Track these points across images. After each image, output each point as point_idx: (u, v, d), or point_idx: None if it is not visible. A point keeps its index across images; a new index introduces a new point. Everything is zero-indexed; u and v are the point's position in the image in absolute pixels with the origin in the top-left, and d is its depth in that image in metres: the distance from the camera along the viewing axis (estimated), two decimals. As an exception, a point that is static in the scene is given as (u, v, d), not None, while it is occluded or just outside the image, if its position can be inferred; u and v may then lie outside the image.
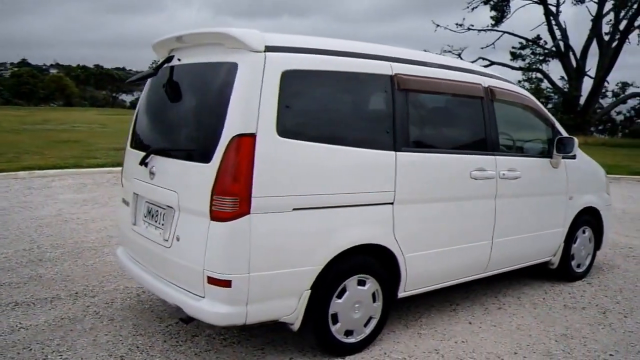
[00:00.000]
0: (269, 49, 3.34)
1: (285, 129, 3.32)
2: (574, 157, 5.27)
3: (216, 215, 3.23)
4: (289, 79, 3.37)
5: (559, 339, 4.16)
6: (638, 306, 4.93)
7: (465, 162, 4.33)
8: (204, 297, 3.32)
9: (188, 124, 3.69)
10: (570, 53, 39.07)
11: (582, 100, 38.62)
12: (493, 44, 41.66)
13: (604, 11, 37.43)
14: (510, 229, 4.73)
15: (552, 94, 42.85)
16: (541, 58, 41.48)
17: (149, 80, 4.18)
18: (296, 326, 3.53)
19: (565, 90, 39.36)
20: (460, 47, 40.27)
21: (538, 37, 40.87)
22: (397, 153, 3.82)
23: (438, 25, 40.67)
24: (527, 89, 44.92)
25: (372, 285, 3.79)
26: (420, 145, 4.05)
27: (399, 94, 3.89)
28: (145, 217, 3.89)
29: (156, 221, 3.75)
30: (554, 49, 38.84)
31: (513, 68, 42.16)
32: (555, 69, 39.46)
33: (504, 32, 41.63)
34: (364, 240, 3.71)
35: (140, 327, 4.09)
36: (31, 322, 4.11)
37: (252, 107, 3.23)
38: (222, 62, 3.42)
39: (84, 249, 6.05)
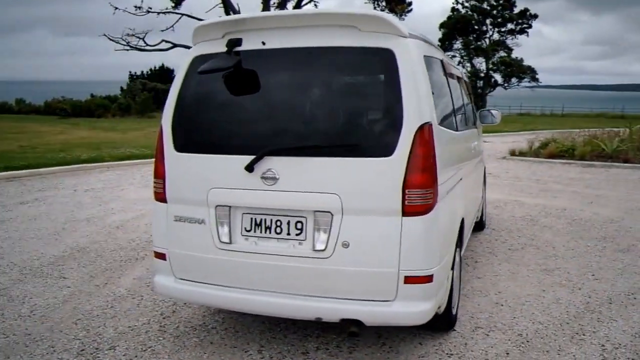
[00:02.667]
0: (409, 35, 3.25)
1: (437, 115, 3.34)
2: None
3: (411, 210, 3.06)
4: (426, 65, 3.37)
5: (548, 272, 5.13)
6: (547, 239, 6.31)
7: (467, 136, 4.90)
8: (394, 300, 3.12)
9: (337, 116, 3.27)
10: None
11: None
12: (172, 26, 42.23)
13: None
14: (471, 193, 5.48)
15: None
16: (228, 40, 43.76)
17: (187, 67, 3.47)
18: (442, 309, 3.58)
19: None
20: (143, 31, 39.88)
21: (222, 19, 42.88)
22: (457, 132, 4.15)
23: (117, 8, 39.25)
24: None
25: (457, 255, 4.05)
26: (459, 125, 4.41)
27: (447, 77, 4.19)
28: (248, 231, 3.30)
29: (279, 232, 3.24)
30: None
31: (199, 50, 43.42)
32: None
33: (183, 14, 42.45)
34: (463, 213, 3.97)
35: (235, 362, 3.47)
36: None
37: (423, 95, 3.14)
38: (368, 47, 3.15)
39: (-16, 299, 4.45)
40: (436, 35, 46.93)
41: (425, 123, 3.09)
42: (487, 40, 47.63)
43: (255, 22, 3.32)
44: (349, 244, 3.11)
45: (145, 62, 42.64)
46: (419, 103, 3.08)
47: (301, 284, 3.22)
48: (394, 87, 3.08)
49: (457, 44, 47.96)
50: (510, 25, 46.55)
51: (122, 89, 39.24)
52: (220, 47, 3.30)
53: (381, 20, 3.13)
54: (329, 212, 3.13)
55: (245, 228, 3.30)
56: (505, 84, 46.77)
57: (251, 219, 3.29)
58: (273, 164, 3.18)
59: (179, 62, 3.64)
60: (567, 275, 5.04)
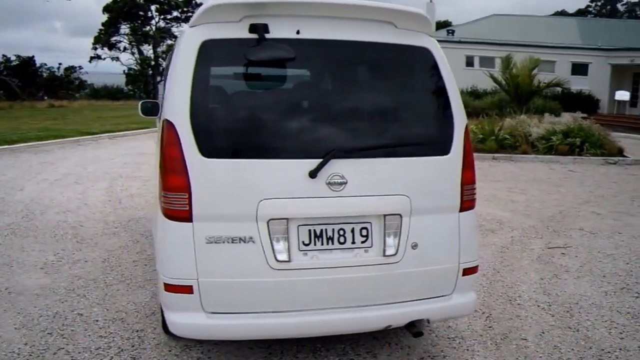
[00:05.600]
0: None
1: None
2: None
3: (466, 206, 3.31)
4: None
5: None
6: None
7: None
8: (452, 293, 3.31)
9: (397, 115, 3.28)
10: None
11: None
12: None
13: None
14: None
15: None
16: None
17: (196, 52, 2.91)
18: None
19: None
20: None
21: None
22: None
23: None
24: None
25: None
26: None
27: None
28: (306, 245, 3.01)
29: (343, 242, 3.07)
30: None
31: None
32: None
33: None
34: None
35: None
36: None
37: (459, 94, 3.35)
38: (407, 45, 3.19)
39: None
40: (100, 18, 44.94)
41: (466, 121, 3.33)
42: (153, 27, 47.68)
43: (286, 8, 3.01)
44: (418, 245, 3.16)
45: None
46: (460, 102, 3.30)
47: (369, 293, 3.14)
48: (441, 86, 3.24)
49: (125, 29, 46.77)
50: (175, 13, 47.52)
51: None
52: (238, 32, 2.93)
53: (420, 18, 3.19)
54: (399, 214, 3.12)
55: (303, 242, 3.01)
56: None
57: (309, 230, 3.02)
58: (340, 167, 2.99)
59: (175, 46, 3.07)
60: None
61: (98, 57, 48.28)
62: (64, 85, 43.69)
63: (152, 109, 5.13)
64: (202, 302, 2.95)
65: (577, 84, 28.33)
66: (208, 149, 2.88)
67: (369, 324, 3.20)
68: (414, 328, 3.27)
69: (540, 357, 3.65)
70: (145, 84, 48.13)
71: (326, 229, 3.03)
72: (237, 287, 2.97)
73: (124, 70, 48.82)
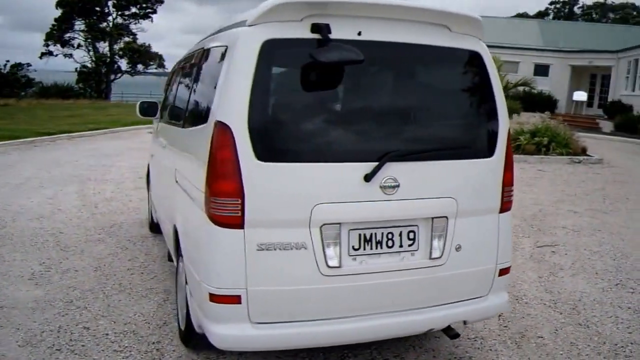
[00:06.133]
0: None
1: None
2: None
3: (505, 207, 3.36)
4: None
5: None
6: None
7: None
8: (487, 294, 3.35)
9: (447, 117, 3.28)
10: None
11: None
12: None
13: None
14: None
15: None
16: None
17: (257, 52, 2.82)
18: None
19: None
20: None
21: None
22: None
23: None
24: None
25: None
26: None
27: None
28: (356, 249, 2.99)
29: (391, 246, 3.05)
30: None
31: None
32: None
33: None
34: None
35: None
36: None
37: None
38: (460, 49, 3.22)
39: None
40: (53, 13, 43.48)
41: (509, 124, 3.39)
42: (110, 23, 46.42)
43: (348, 8, 2.95)
44: (461, 247, 3.18)
45: None
46: (504, 104, 3.35)
47: (415, 297, 3.14)
48: (489, 90, 3.27)
49: (80, 25, 45.35)
50: (134, 9, 46.36)
51: None
52: (299, 32, 2.86)
53: (474, 22, 3.22)
54: (445, 217, 3.13)
55: (353, 247, 2.98)
56: (132, 71, 46.54)
57: (359, 235, 2.99)
58: (393, 170, 2.97)
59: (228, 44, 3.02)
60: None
61: (50, 53, 46.38)
62: (10, 83, 41.95)
63: (149, 110, 4.99)
64: (249, 312, 2.87)
65: (539, 85, 29.08)
66: (264, 153, 2.80)
67: (413, 328, 3.22)
68: (451, 330, 3.31)
69: (561, 354, 3.72)
70: (98, 82, 46.63)
71: (375, 233, 3.02)
72: (287, 295, 2.91)
73: (76, 68, 47.01)
